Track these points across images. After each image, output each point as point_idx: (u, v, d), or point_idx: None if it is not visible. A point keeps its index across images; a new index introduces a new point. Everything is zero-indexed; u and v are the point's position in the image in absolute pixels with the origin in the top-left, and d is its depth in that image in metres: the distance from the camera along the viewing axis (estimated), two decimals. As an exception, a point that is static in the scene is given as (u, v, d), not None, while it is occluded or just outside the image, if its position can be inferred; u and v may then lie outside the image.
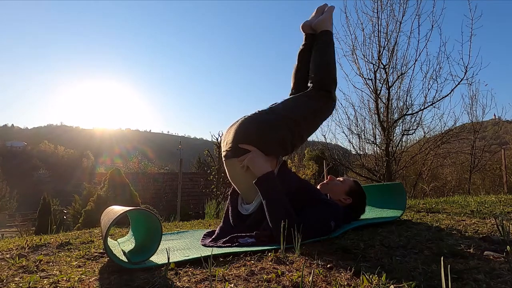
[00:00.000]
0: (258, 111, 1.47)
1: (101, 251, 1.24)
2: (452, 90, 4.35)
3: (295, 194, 1.34)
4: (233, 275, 0.85)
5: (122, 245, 1.29)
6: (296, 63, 1.70)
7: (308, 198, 1.36)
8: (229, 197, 1.52)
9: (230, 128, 1.47)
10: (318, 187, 1.62)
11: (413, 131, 4.95)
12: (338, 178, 1.67)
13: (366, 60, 4.82)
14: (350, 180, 1.65)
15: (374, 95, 4.87)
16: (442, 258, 0.66)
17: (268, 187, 1.28)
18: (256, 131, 1.38)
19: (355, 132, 5.27)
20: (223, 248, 1.17)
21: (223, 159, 1.45)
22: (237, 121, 1.45)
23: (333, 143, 5.82)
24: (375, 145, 5.16)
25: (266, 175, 1.29)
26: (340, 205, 1.51)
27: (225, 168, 1.45)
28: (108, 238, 1.09)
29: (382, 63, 4.72)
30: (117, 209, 1.10)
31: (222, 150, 1.46)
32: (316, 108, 1.49)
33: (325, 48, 1.59)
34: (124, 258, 1.01)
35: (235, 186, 1.48)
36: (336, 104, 1.59)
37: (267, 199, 1.26)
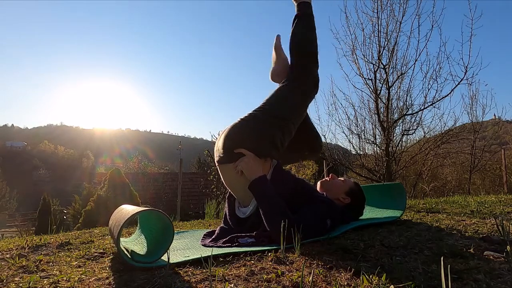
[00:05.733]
0: (248, 113, 1.46)
1: (101, 251, 1.24)
2: (452, 90, 4.34)
3: (291, 194, 1.34)
4: (233, 275, 0.85)
5: (125, 243, 1.28)
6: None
7: (304, 197, 1.36)
8: (226, 200, 1.52)
9: (222, 134, 1.46)
10: (318, 183, 1.63)
11: (413, 131, 4.95)
12: (339, 178, 1.67)
13: (366, 60, 4.82)
14: (351, 181, 1.66)
15: (374, 95, 4.87)
16: (442, 258, 0.66)
17: (261, 191, 1.28)
18: (246, 133, 1.37)
19: (355, 132, 5.27)
20: (223, 248, 1.17)
21: (217, 164, 1.43)
22: (228, 127, 1.45)
23: (333, 143, 5.82)
24: (375, 145, 5.16)
25: (258, 179, 1.29)
26: (338, 204, 1.51)
27: (220, 173, 1.44)
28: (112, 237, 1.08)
29: (382, 63, 4.71)
30: (130, 209, 1.10)
31: (215, 156, 1.44)
32: (300, 97, 1.48)
33: (301, 22, 1.56)
34: (128, 255, 1.01)
35: (230, 191, 1.48)
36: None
37: (261, 202, 1.26)
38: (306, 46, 1.54)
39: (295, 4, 1.62)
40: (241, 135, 1.37)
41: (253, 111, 1.45)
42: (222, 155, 1.38)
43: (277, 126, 1.39)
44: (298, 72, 1.51)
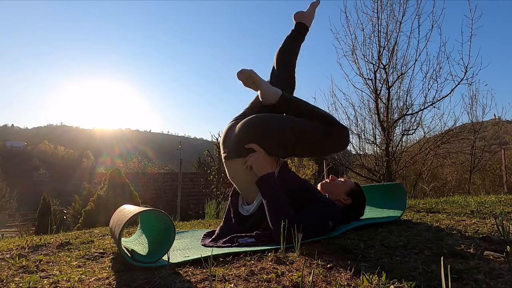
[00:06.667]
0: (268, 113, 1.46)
1: (101, 251, 1.24)
2: (452, 90, 4.35)
3: (295, 194, 1.35)
4: (233, 275, 0.85)
5: (126, 243, 1.28)
6: (281, 44, 1.78)
7: (307, 198, 1.37)
8: (229, 198, 1.52)
9: (230, 127, 1.46)
10: (319, 186, 1.63)
11: (413, 131, 4.96)
12: (339, 179, 1.67)
13: (366, 60, 4.82)
14: (352, 182, 1.66)
15: (374, 95, 4.87)
16: (442, 258, 0.66)
17: (268, 187, 1.29)
18: (260, 130, 1.38)
19: (355, 132, 5.27)
20: (223, 248, 1.17)
21: (224, 159, 1.44)
22: (237, 121, 1.45)
23: (333, 143, 5.81)
24: (375, 145, 5.16)
25: (266, 176, 1.30)
26: (339, 205, 1.51)
27: (226, 168, 1.45)
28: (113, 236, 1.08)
29: (382, 63, 4.72)
30: (132, 209, 1.10)
31: (223, 151, 1.45)
32: (326, 130, 1.42)
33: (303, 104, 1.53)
34: (129, 255, 1.01)
35: (236, 187, 1.48)
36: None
37: (267, 199, 1.27)
38: (332, 117, 1.51)
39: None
40: (255, 131, 1.38)
41: (276, 114, 1.46)
42: (232, 150, 1.39)
43: (293, 134, 1.37)
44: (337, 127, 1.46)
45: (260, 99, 1.50)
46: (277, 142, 1.38)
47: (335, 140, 1.46)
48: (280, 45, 1.78)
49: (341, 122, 1.49)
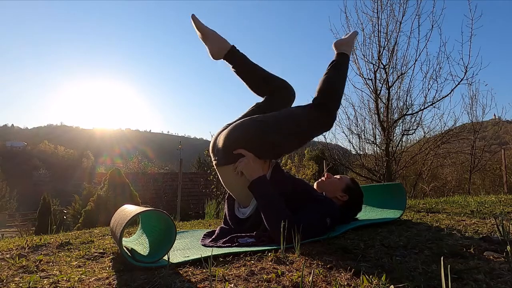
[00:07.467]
0: (250, 117, 1.45)
1: (101, 251, 1.24)
2: (452, 90, 4.35)
3: (290, 194, 1.35)
4: (233, 275, 0.85)
5: (126, 243, 1.28)
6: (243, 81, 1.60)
7: (303, 198, 1.36)
8: (225, 201, 1.51)
9: (218, 135, 1.44)
10: (315, 184, 1.62)
11: (413, 131, 4.96)
12: (335, 176, 1.66)
13: (366, 60, 4.82)
14: (347, 178, 1.65)
15: (374, 95, 4.87)
16: (442, 258, 0.66)
17: (261, 191, 1.28)
18: (248, 135, 1.35)
19: (355, 132, 5.27)
20: (223, 248, 1.17)
21: (215, 166, 1.42)
22: (225, 128, 1.44)
23: (333, 143, 5.81)
24: (375, 145, 5.16)
25: (258, 179, 1.29)
26: (337, 202, 1.50)
27: (218, 175, 1.43)
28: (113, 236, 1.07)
29: (382, 63, 4.72)
30: (133, 209, 1.10)
31: (213, 158, 1.43)
32: (311, 119, 1.43)
33: (337, 68, 1.57)
34: (129, 254, 1.01)
35: (230, 192, 1.47)
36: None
37: (261, 202, 1.26)
38: (337, 91, 1.52)
39: (335, 52, 1.65)
40: (243, 136, 1.35)
41: (259, 115, 1.43)
42: (221, 157, 1.38)
43: (281, 134, 1.36)
44: (320, 108, 1.44)
45: (337, 42, 1.67)
46: (264, 145, 1.35)
47: (320, 127, 1.49)
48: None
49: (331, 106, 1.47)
